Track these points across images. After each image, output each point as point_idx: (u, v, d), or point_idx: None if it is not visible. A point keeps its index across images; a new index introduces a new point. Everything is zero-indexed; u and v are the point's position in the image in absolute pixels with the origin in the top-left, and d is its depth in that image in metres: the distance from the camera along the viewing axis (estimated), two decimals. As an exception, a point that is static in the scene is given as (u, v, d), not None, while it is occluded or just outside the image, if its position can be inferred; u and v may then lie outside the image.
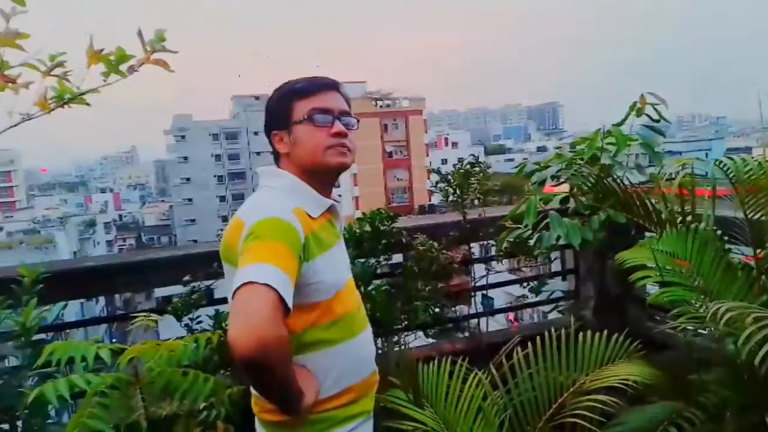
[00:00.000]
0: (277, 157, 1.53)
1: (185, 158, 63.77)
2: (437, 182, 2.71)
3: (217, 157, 64.60)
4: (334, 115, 1.48)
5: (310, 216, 1.42)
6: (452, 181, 2.61)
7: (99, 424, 1.25)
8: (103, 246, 57.79)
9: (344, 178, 51.49)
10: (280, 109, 1.50)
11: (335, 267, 1.46)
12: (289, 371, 1.26)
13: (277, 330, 1.14)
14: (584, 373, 1.86)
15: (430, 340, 2.74)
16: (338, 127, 1.46)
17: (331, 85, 1.52)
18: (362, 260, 2.62)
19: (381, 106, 52.74)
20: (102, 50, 2.15)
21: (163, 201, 75.34)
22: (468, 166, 2.62)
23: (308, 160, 1.46)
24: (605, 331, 1.99)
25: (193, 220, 62.59)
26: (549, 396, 1.85)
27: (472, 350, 2.17)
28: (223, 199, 64.99)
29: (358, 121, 1.55)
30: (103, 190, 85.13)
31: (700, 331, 2.08)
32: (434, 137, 62.88)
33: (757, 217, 2.20)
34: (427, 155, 52.85)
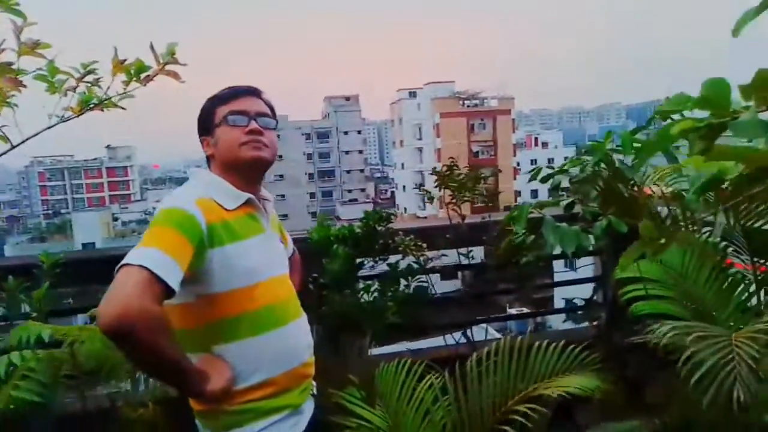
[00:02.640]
0: (208, 162, 1.65)
1: (280, 156, 66.63)
2: (420, 184, 2.70)
3: (309, 155, 66.97)
4: (250, 116, 1.58)
5: (223, 207, 1.51)
6: (445, 183, 2.59)
7: (23, 394, 1.42)
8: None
9: (429, 177, 51.42)
10: (206, 116, 1.62)
11: (251, 257, 1.52)
12: (163, 348, 1.30)
13: (142, 305, 1.23)
14: (533, 382, 1.80)
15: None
16: (252, 125, 1.57)
17: (249, 92, 1.63)
18: (360, 260, 2.68)
19: (468, 106, 52.13)
20: (124, 61, 2.40)
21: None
22: (446, 171, 2.58)
23: (226, 156, 1.58)
24: (562, 342, 1.91)
25: (285, 216, 65.20)
26: (496, 403, 1.82)
27: (453, 358, 2.15)
28: (312, 196, 67.32)
29: (277, 122, 1.65)
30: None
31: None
32: (523, 137, 61.20)
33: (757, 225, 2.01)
34: (515, 155, 51.57)
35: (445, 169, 2.55)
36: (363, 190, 70.99)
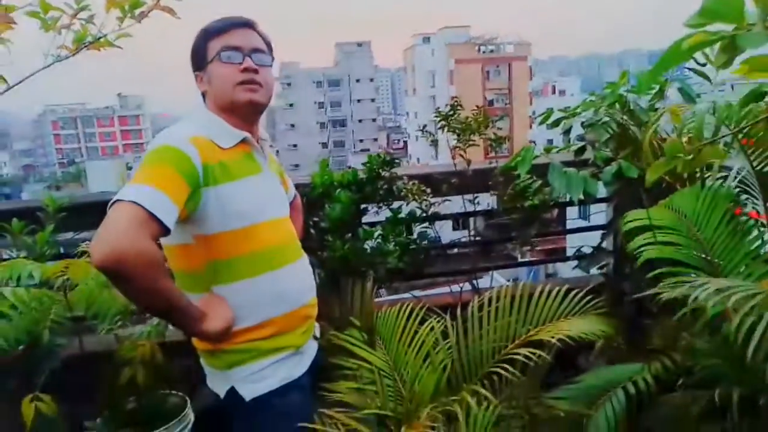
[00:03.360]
0: (204, 97, 1.60)
1: (291, 105, 66.00)
2: (424, 126, 2.63)
3: (320, 104, 66.17)
4: (245, 52, 1.51)
5: (219, 146, 1.48)
6: (449, 124, 2.52)
7: (13, 331, 1.44)
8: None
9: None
10: (198, 50, 1.56)
11: (248, 198, 1.50)
12: (157, 285, 1.30)
13: (134, 242, 1.22)
14: (535, 326, 1.80)
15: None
16: (247, 62, 1.51)
17: (243, 23, 1.55)
18: (364, 205, 2.65)
19: (484, 52, 50.77)
20: None
21: (270, 146, 78.71)
22: (449, 112, 2.50)
23: (220, 96, 1.53)
24: (565, 287, 1.89)
25: (297, 165, 65.14)
26: (495, 347, 1.82)
27: (456, 305, 2.14)
28: (325, 145, 66.90)
29: (273, 59, 1.59)
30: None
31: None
32: (540, 85, 59.78)
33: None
34: (531, 104, 50.53)
35: (448, 109, 2.47)
36: (375, 139, 70.36)
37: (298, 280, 1.63)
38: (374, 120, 72.31)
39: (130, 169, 61.86)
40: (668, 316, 2.16)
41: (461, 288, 2.60)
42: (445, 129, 2.48)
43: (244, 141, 1.55)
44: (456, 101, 2.42)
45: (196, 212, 1.42)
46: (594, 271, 3.32)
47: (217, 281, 1.50)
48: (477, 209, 2.78)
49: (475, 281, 2.59)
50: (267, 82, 1.57)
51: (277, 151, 72.04)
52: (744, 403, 1.67)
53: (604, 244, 3.27)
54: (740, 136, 1.88)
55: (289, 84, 65.50)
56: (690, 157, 1.54)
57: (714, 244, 2.05)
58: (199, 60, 1.57)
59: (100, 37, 2.38)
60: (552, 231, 3.27)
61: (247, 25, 1.57)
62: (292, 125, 66.05)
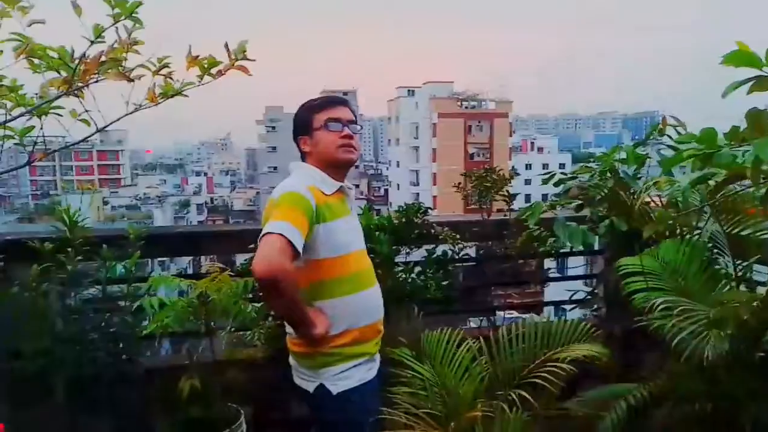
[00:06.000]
0: (303, 156, 2.08)
1: (274, 148, 66.90)
2: (459, 183, 3.15)
3: (304, 148, 66.96)
4: (344, 122, 2.02)
5: (324, 193, 1.96)
6: (481, 183, 3.04)
7: (172, 323, 1.87)
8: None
9: (424, 177, 52.15)
10: (304, 120, 2.06)
11: (344, 233, 1.98)
12: (295, 297, 1.79)
13: (283, 263, 1.69)
14: (553, 348, 2.25)
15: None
16: (346, 131, 2.02)
17: (342, 102, 2.09)
18: (395, 246, 3.12)
19: (467, 107, 52.68)
20: (198, 56, 2.80)
21: (251, 187, 79.26)
22: (483, 173, 3.03)
23: (325, 156, 2.02)
24: (575, 318, 2.36)
25: (277, 208, 65.00)
26: (524, 364, 2.26)
27: (484, 335, 2.59)
28: (306, 189, 67.29)
29: (362, 127, 2.09)
30: (198, 173, 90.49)
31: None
32: (520, 141, 61.89)
33: (735, 231, 2.47)
34: (510, 159, 52.22)
35: (483, 171, 2.99)
36: (357, 186, 71.24)
37: (376, 300, 2.08)
38: (357, 167, 73.37)
39: (106, 204, 61.26)
40: (654, 348, 2.65)
41: (481, 321, 3.05)
42: (470, 185, 2.98)
43: (340, 189, 2.03)
44: (489, 166, 2.93)
45: (310, 242, 1.87)
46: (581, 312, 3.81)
47: (318, 297, 1.95)
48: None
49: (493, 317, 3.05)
50: (358, 145, 2.06)
51: (258, 192, 72.13)
52: (719, 414, 2.12)
53: (596, 291, 3.77)
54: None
55: (273, 128, 66.65)
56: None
57: (692, 289, 2.55)
58: (305, 127, 2.06)
59: (180, 91, 2.85)
60: (553, 277, 3.75)
61: (344, 103, 2.09)
62: (275, 168, 66.75)
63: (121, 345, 2.63)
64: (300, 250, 1.75)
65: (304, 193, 1.86)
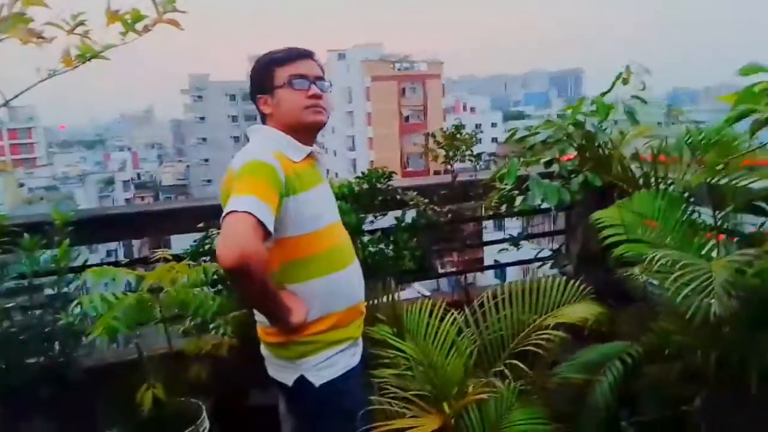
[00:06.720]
0: (263, 118, 1.79)
1: (202, 118, 64.06)
2: (426, 144, 2.94)
3: (234, 117, 64.67)
4: (310, 80, 1.73)
5: (292, 160, 1.69)
6: (441, 143, 2.83)
7: (120, 325, 1.57)
8: (122, 204, 58.63)
9: (360, 142, 51.61)
10: (263, 76, 1.76)
11: (316, 205, 1.72)
12: (267, 284, 1.52)
13: (254, 246, 1.42)
14: (543, 313, 2.12)
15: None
16: (314, 90, 1.73)
17: (307, 54, 1.78)
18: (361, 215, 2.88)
19: (399, 69, 52.14)
20: (118, 11, 2.40)
21: (180, 161, 75.82)
22: (453, 130, 2.84)
23: (289, 118, 1.73)
24: (563, 278, 2.24)
25: (209, 181, 63.07)
26: (513, 332, 2.12)
27: (460, 303, 2.42)
28: (239, 160, 65.15)
29: (331, 84, 1.82)
30: (121, 149, 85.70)
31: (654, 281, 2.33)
32: (452, 102, 62.22)
33: (714, 181, 2.40)
34: (444, 120, 52.46)
35: (453, 130, 2.78)
36: (291, 154, 69.62)
37: (356, 279, 1.85)
38: (289, 135, 71.54)
39: (22, 186, 57.16)
40: (635, 305, 2.58)
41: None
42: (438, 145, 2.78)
43: (310, 155, 1.76)
44: (460, 123, 2.73)
45: (279, 219, 1.60)
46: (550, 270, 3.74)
47: (291, 280, 1.69)
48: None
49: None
50: (328, 105, 1.78)
51: (188, 166, 69.42)
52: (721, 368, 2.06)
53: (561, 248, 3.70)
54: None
55: (200, 97, 63.64)
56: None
57: (670, 242, 2.47)
58: (265, 84, 1.76)
59: (100, 52, 2.46)
60: (539, 234, 3.65)
61: (310, 55, 1.79)
62: (204, 139, 64.12)
63: (57, 346, 2.30)
64: (271, 229, 1.48)
65: (270, 161, 1.58)
